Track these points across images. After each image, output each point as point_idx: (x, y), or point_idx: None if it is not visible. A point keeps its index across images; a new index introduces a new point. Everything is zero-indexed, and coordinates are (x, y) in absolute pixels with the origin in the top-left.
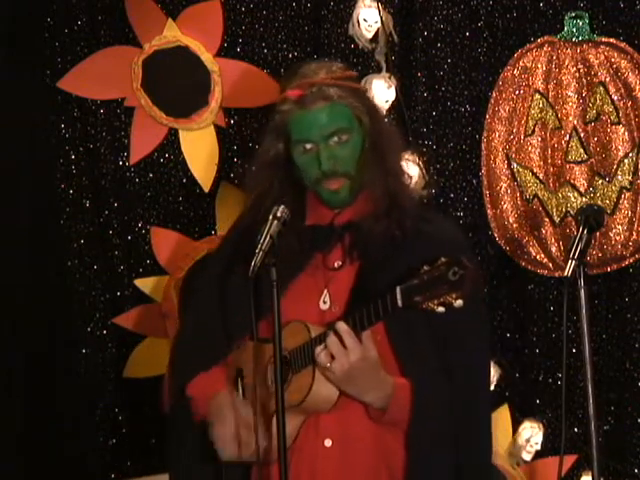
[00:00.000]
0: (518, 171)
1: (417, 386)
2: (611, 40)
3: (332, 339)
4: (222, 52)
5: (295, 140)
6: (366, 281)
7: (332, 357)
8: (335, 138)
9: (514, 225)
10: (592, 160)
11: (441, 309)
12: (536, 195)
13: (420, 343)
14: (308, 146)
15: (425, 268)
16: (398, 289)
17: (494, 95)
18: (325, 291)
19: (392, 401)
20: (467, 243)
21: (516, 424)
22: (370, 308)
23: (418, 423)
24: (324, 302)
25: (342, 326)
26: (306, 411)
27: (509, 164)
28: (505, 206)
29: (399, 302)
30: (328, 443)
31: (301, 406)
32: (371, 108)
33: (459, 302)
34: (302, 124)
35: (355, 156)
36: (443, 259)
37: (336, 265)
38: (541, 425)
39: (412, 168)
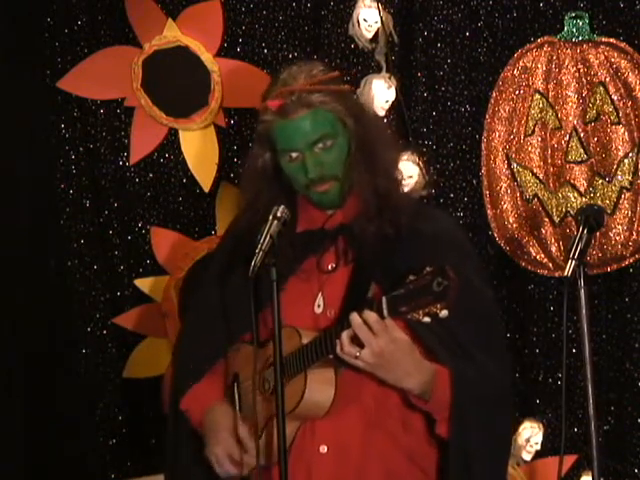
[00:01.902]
0: (518, 171)
1: (456, 372)
2: (611, 40)
3: (359, 324)
4: (222, 52)
5: (280, 149)
6: (360, 283)
7: (359, 346)
8: (320, 144)
9: (514, 225)
10: (592, 160)
11: (427, 319)
12: (536, 195)
13: (443, 330)
14: (294, 155)
15: (411, 278)
16: (384, 299)
17: (494, 95)
18: (319, 295)
19: (434, 387)
20: (465, 238)
21: (516, 424)
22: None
23: (460, 410)
24: (318, 306)
25: (368, 313)
26: (300, 418)
27: (509, 164)
28: (505, 206)
29: (385, 312)
30: (323, 449)
31: (294, 413)
32: (356, 109)
33: (444, 312)
34: (285, 133)
35: (342, 159)
36: (428, 269)
37: (330, 268)
38: (541, 425)
39: (412, 168)
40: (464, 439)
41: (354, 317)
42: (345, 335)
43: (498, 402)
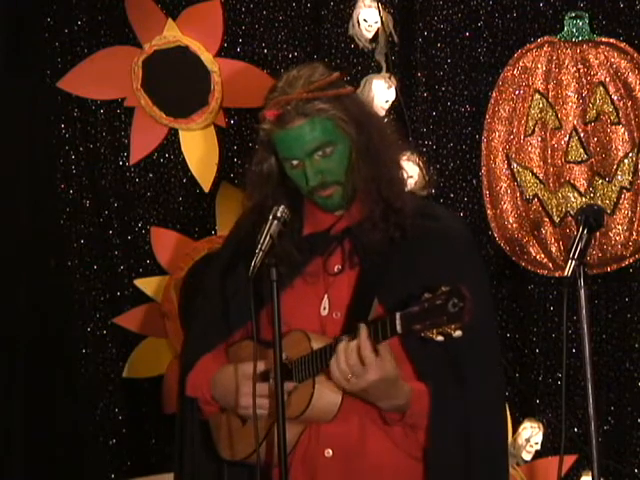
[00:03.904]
0: (518, 171)
1: (435, 393)
2: (611, 40)
3: (353, 356)
4: (222, 52)
5: (282, 157)
6: (366, 286)
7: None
8: (319, 152)
9: (514, 225)
10: (592, 160)
11: (440, 338)
12: (536, 195)
13: (434, 346)
14: (294, 162)
15: (426, 296)
16: (398, 315)
17: (494, 95)
18: (325, 297)
19: (409, 412)
20: (470, 236)
21: (516, 424)
22: (370, 331)
23: (437, 431)
24: (324, 308)
25: (364, 343)
26: (306, 422)
27: (509, 164)
28: (505, 206)
29: (398, 328)
30: (328, 453)
31: (301, 418)
32: (356, 112)
33: (458, 333)
34: (284, 143)
35: (343, 164)
36: (443, 288)
37: (336, 270)
38: (541, 425)
39: (412, 168)
40: (439, 461)
41: (351, 348)
42: (334, 361)
43: (481, 427)
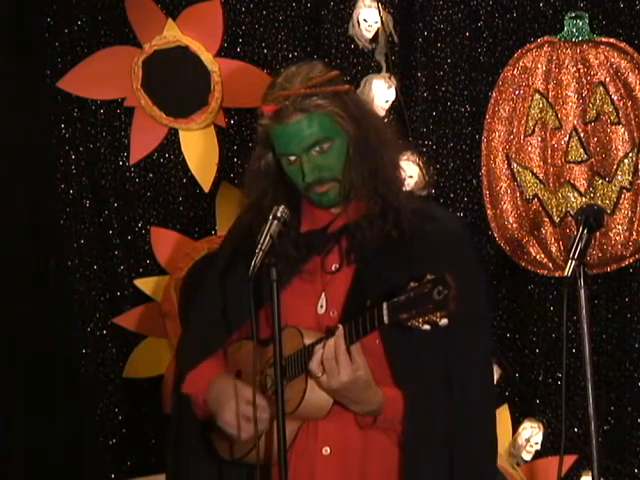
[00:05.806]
0: (518, 171)
1: (409, 400)
2: (611, 40)
3: (329, 354)
4: (222, 52)
5: (279, 153)
6: (362, 284)
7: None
8: (316, 148)
9: (514, 225)
10: (592, 160)
11: (427, 327)
12: (536, 195)
13: (417, 348)
14: (292, 158)
15: (412, 285)
16: (385, 305)
17: (494, 95)
18: (322, 295)
19: (381, 417)
20: (468, 237)
21: (516, 424)
22: (358, 321)
23: (410, 437)
24: (321, 306)
25: (340, 342)
26: (301, 418)
27: (509, 164)
28: (505, 206)
29: (385, 318)
30: (326, 451)
31: (294, 414)
32: (354, 109)
33: (444, 321)
34: (281, 138)
35: (340, 161)
36: (429, 276)
37: (333, 268)
38: (541, 425)
39: (412, 168)
40: (413, 468)
41: (328, 346)
42: (318, 355)
43: (469, 427)
